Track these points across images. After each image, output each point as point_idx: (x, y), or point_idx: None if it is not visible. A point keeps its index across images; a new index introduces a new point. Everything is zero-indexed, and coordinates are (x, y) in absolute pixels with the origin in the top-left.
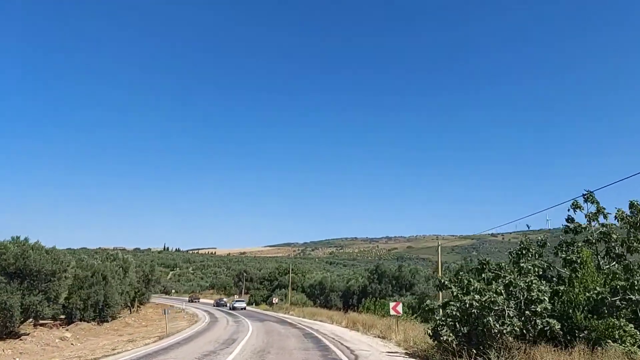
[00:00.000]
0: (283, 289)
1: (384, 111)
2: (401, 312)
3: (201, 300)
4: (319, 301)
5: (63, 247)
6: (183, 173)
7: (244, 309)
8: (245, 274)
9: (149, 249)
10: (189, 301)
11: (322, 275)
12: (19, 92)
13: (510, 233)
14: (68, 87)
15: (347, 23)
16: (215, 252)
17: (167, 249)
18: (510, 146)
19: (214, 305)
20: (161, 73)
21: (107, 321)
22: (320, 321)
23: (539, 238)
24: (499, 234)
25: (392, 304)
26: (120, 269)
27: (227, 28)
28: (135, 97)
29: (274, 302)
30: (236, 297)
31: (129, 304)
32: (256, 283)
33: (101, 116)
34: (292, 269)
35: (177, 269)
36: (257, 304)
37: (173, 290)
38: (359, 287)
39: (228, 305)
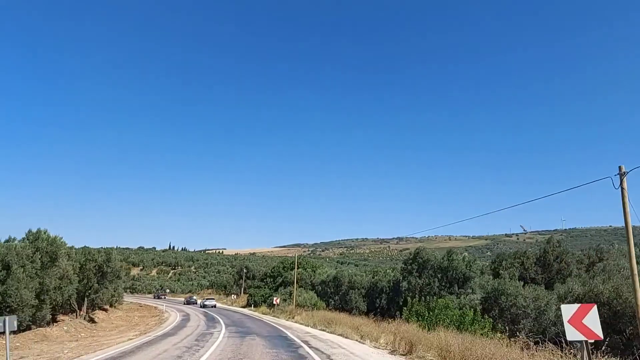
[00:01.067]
0: (289, 287)
1: (395, 111)
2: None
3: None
4: (332, 302)
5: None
6: (192, 173)
7: (214, 306)
8: (245, 271)
9: (154, 248)
10: (154, 297)
11: (336, 269)
12: (24, 93)
13: (525, 233)
14: (75, 87)
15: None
16: (222, 253)
17: (173, 248)
18: (521, 148)
19: (184, 303)
20: (168, 72)
21: (16, 332)
22: (342, 335)
23: None
24: (513, 234)
25: None
26: (38, 253)
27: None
28: (144, 97)
29: (275, 303)
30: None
31: (74, 306)
32: (257, 280)
33: (108, 116)
34: (300, 263)
35: (179, 267)
36: (256, 306)
37: (168, 290)
38: (389, 284)
39: (198, 302)
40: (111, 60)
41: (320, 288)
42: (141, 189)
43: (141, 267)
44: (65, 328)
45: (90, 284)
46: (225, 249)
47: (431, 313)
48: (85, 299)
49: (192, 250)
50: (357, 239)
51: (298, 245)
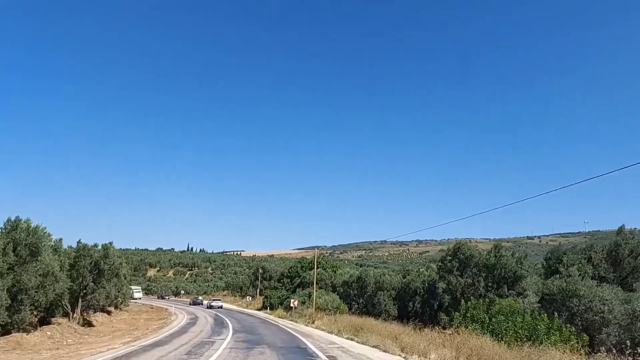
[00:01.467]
0: (307, 288)
1: (412, 112)
2: None
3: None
4: (356, 305)
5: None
6: (211, 175)
7: (221, 307)
8: (262, 271)
9: (172, 249)
10: (157, 298)
11: (360, 269)
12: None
13: (547, 236)
14: (86, 86)
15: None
16: (240, 255)
17: (191, 249)
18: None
19: (190, 304)
20: (182, 72)
21: None
22: (377, 347)
23: None
24: (535, 236)
25: None
26: (12, 244)
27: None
28: (161, 97)
29: (293, 305)
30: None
31: (66, 308)
32: (274, 281)
33: (127, 115)
34: (319, 263)
35: (195, 268)
36: (272, 308)
37: (183, 292)
38: (423, 284)
39: (205, 303)
40: (122, 57)
41: (342, 290)
42: (160, 190)
43: (158, 268)
44: (49, 333)
45: (85, 282)
46: (243, 250)
47: (493, 319)
48: (80, 299)
49: (210, 252)
50: (375, 242)
51: (316, 247)
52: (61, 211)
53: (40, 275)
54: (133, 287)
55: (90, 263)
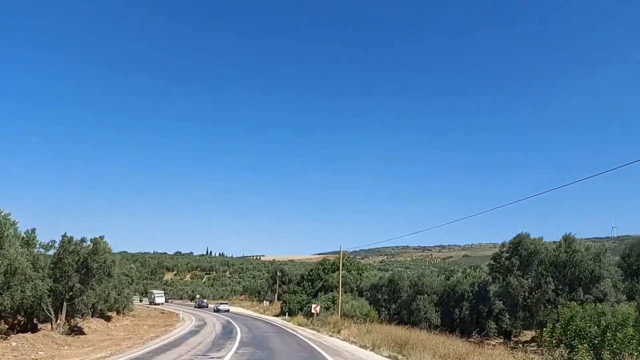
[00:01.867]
0: (329, 292)
1: (435, 114)
2: None
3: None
4: (386, 311)
5: None
6: (230, 179)
7: (227, 311)
8: (280, 274)
9: (190, 253)
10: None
11: (392, 270)
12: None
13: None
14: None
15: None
16: (260, 259)
17: (210, 253)
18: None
19: (195, 307)
20: (205, 72)
21: None
22: None
23: None
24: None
25: None
26: None
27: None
28: (176, 98)
29: (314, 311)
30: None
31: (49, 313)
32: (293, 285)
33: (149, 122)
34: (343, 264)
35: (213, 272)
36: (291, 314)
37: (198, 296)
38: (472, 287)
39: (210, 307)
40: (152, 61)
41: (369, 294)
42: (178, 195)
43: (175, 272)
44: (14, 344)
45: (70, 283)
46: (263, 255)
47: (608, 334)
48: (64, 303)
49: (230, 256)
50: (397, 247)
51: (337, 252)
52: (76, 215)
53: (1, 273)
54: (155, 291)
55: (77, 260)
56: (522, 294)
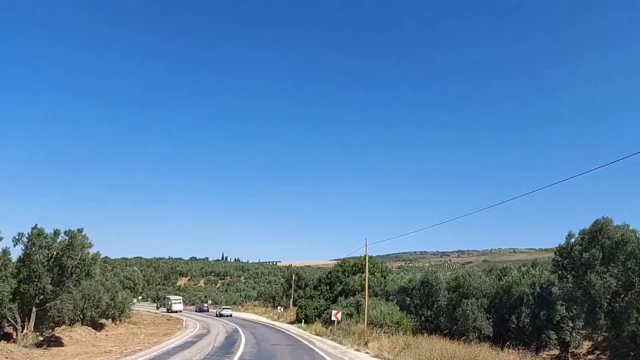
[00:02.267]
0: (350, 297)
1: (455, 110)
2: None
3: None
4: (418, 318)
5: (117, 256)
6: (247, 184)
7: (230, 315)
8: (296, 278)
9: (206, 258)
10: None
11: (425, 271)
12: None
13: None
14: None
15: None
16: (276, 264)
17: (226, 258)
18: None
19: (195, 311)
20: (231, 74)
21: None
22: None
23: None
24: None
25: None
26: None
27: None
28: (192, 103)
29: (335, 319)
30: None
31: (16, 322)
32: (310, 289)
33: (163, 129)
34: (365, 265)
35: (228, 277)
36: (307, 321)
37: (210, 301)
38: (532, 288)
39: (212, 311)
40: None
41: (396, 299)
42: (195, 200)
43: (189, 277)
44: None
45: (40, 284)
46: (279, 261)
47: None
48: (34, 308)
49: (245, 262)
50: (415, 252)
51: (356, 258)
52: (95, 222)
53: None
54: (172, 297)
55: (49, 258)
56: (606, 297)
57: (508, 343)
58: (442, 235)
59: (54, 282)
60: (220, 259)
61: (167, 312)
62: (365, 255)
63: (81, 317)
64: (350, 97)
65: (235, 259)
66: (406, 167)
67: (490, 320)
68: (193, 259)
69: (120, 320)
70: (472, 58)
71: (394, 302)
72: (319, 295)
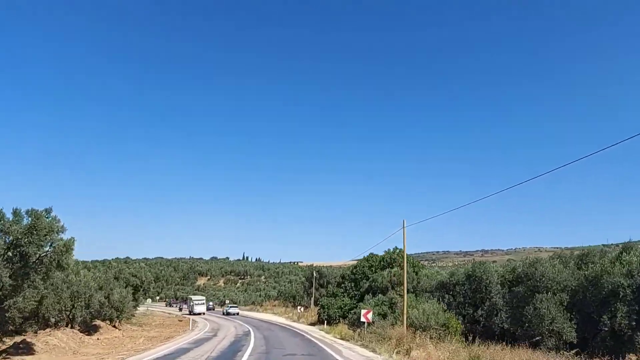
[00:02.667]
0: (379, 294)
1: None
2: None
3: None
4: (462, 319)
5: (139, 257)
6: (269, 184)
7: (237, 314)
8: (317, 276)
9: (227, 258)
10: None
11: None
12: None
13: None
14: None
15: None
16: (298, 264)
17: (246, 258)
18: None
19: (223, 314)
20: (249, 75)
21: None
22: None
23: None
24: (612, 244)
25: None
26: None
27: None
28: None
29: (365, 319)
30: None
31: None
32: (332, 286)
33: (181, 123)
34: (394, 259)
35: (248, 277)
36: (330, 323)
37: (228, 301)
38: (629, 279)
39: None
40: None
41: (433, 296)
42: (216, 199)
43: (208, 277)
44: None
45: None
46: (301, 261)
47: None
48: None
49: (266, 262)
50: (438, 252)
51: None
52: (118, 223)
53: None
54: (194, 297)
55: (9, 244)
56: None
57: (600, 351)
58: (466, 234)
59: (14, 274)
60: (241, 258)
61: (190, 314)
62: (403, 236)
63: (70, 318)
64: (370, 100)
65: (256, 259)
66: (430, 167)
67: (573, 322)
68: (214, 258)
69: (120, 322)
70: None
71: (435, 299)
72: (343, 293)
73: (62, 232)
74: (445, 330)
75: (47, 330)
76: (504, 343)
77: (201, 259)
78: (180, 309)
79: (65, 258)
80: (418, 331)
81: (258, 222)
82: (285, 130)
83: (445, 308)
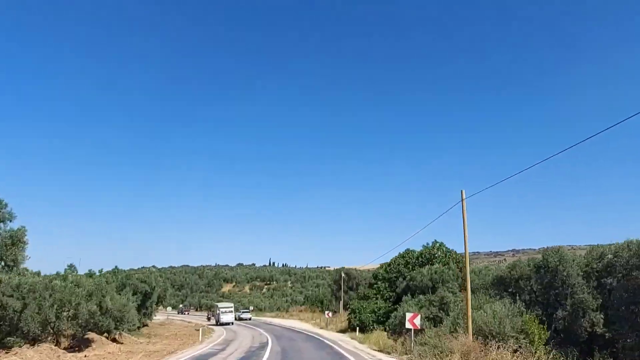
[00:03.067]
0: (420, 295)
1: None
2: None
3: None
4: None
5: (165, 265)
6: (297, 189)
7: (250, 319)
8: (346, 278)
9: (253, 264)
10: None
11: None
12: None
13: None
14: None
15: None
16: (325, 269)
17: (273, 264)
18: None
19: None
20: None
21: None
22: None
23: None
24: None
25: None
26: None
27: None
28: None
29: (411, 326)
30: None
31: None
32: (363, 288)
33: (204, 130)
34: (433, 254)
35: (274, 282)
36: (363, 330)
37: (252, 308)
38: None
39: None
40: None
41: (489, 294)
42: (242, 205)
43: (233, 283)
44: None
45: None
46: (328, 266)
47: None
48: None
49: (293, 267)
50: (469, 253)
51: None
52: (144, 233)
53: None
54: (220, 305)
55: None
56: None
57: None
58: (495, 234)
59: None
60: (267, 264)
61: (217, 324)
62: (462, 213)
63: (55, 331)
64: (393, 102)
65: (283, 265)
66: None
67: None
68: (240, 265)
69: (120, 334)
70: None
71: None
72: (376, 294)
73: (10, 221)
74: (527, 338)
75: (14, 349)
76: (604, 352)
77: (227, 265)
78: (209, 319)
79: (13, 252)
80: (489, 340)
81: (284, 228)
82: (315, 136)
83: (520, 308)
